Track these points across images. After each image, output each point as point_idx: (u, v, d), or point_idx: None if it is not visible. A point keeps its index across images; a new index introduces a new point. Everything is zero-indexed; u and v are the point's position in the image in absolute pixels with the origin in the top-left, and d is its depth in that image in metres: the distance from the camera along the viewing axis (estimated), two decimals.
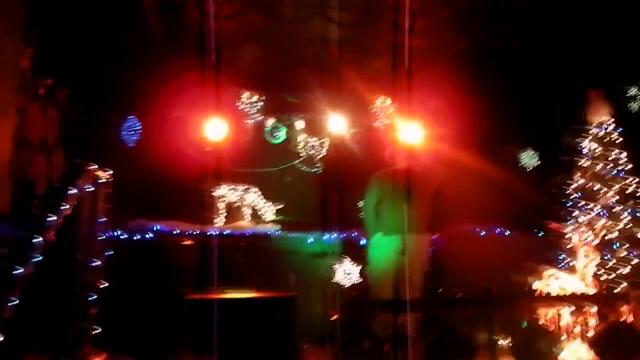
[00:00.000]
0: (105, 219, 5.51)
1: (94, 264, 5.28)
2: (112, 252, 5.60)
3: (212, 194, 8.30)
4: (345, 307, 3.79)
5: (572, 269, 5.07)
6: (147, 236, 7.38)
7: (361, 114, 9.26)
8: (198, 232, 7.51)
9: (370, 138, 9.16)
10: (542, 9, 6.57)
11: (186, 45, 8.62)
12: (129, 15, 8.44)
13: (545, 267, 4.86)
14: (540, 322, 4.25)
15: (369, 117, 9.30)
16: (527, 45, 7.28)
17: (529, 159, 9.65)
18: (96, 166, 5.20)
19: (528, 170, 9.29)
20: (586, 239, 5.23)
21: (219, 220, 8.27)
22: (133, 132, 8.87)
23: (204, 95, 8.87)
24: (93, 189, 5.13)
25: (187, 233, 7.59)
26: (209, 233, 7.67)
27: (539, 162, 8.83)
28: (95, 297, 5.26)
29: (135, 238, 7.28)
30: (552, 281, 4.63)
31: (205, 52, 8.77)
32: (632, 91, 8.04)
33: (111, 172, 5.51)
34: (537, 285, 4.73)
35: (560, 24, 6.64)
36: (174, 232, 7.57)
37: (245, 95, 9.20)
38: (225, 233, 7.74)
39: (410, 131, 8.96)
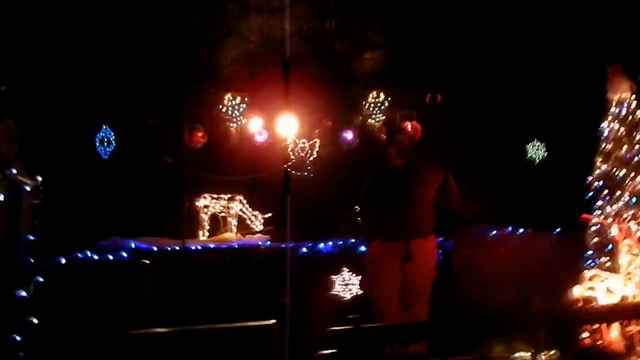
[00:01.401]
0: (32, 237, 4.45)
1: (16, 296, 4.23)
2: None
3: (195, 205, 7.60)
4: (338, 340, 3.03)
5: (611, 268, 4.35)
6: (122, 255, 6.64)
7: (353, 111, 8.59)
8: (179, 248, 6.78)
9: (363, 136, 8.48)
10: None
11: (160, 44, 7.98)
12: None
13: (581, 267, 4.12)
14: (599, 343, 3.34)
15: (363, 115, 8.62)
16: (534, 15, 6.61)
17: (535, 150, 8.99)
18: (15, 171, 4.33)
19: (536, 162, 8.62)
20: (629, 230, 4.52)
21: (203, 234, 7.56)
22: (107, 143, 8.19)
23: (182, 100, 8.27)
24: (3, 199, 4.14)
25: (168, 249, 6.88)
26: (192, 248, 6.97)
27: (547, 153, 8.16)
28: (20, 338, 4.18)
29: (109, 258, 6.55)
30: (597, 284, 3.89)
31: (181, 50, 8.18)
32: None
33: (39, 178, 4.69)
34: (577, 291, 3.98)
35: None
36: (154, 250, 6.85)
37: (228, 97, 8.53)
38: (210, 247, 7.02)
39: (409, 125, 8.37)
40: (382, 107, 8.67)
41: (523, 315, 2.79)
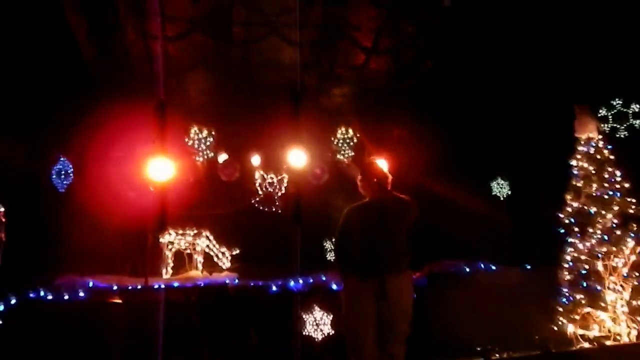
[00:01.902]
0: None
1: None
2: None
3: (159, 241, 7.27)
4: None
5: (591, 304, 4.32)
6: (79, 295, 6.20)
7: (323, 147, 8.54)
8: (140, 287, 6.41)
9: (334, 172, 8.41)
10: (516, 24, 6.18)
11: (125, 75, 7.77)
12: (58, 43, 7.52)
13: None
14: None
15: (331, 150, 8.58)
16: (499, 62, 6.82)
17: (499, 188, 9.15)
18: None
19: (502, 199, 8.75)
20: (615, 267, 4.52)
21: (167, 271, 7.21)
22: (64, 176, 7.80)
23: (146, 132, 8.00)
24: None
25: (128, 289, 6.48)
26: (155, 287, 6.59)
27: (517, 190, 8.30)
28: None
29: (64, 298, 6.09)
30: (591, 323, 3.83)
31: (147, 82, 7.96)
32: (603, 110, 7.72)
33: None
34: (573, 329, 3.91)
35: (538, 38, 6.24)
36: (113, 289, 6.44)
37: (194, 130, 8.33)
38: (174, 286, 6.67)
39: (381, 162, 8.35)
40: (352, 143, 8.68)
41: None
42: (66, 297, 6.06)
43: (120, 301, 5.50)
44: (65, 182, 7.79)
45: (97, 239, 7.21)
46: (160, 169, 7.85)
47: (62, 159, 7.89)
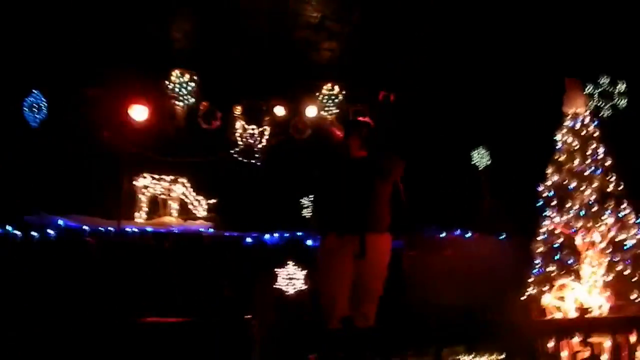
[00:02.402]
0: None
1: None
2: None
3: (133, 184, 7.10)
4: None
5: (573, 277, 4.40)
6: (49, 233, 6.05)
7: (307, 101, 8.37)
8: (113, 229, 6.29)
9: (316, 127, 8.28)
10: None
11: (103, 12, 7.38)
12: None
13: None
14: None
15: (316, 105, 8.42)
16: (488, 29, 6.71)
17: (480, 158, 9.16)
18: None
19: (481, 169, 8.78)
20: (592, 241, 4.60)
21: (141, 216, 7.08)
22: (36, 110, 7.48)
23: (126, 72, 7.70)
24: None
25: (99, 229, 6.35)
26: (127, 230, 6.48)
27: (498, 160, 8.33)
28: None
29: (33, 236, 5.93)
30: (567, 293, 3.90)
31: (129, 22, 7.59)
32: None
33: None
34: (548, 299, 3.98)
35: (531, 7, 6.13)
36: (83, 229, 6.30)
37: (175, 74, 8.04)
38: (147, 230, 6.56)
39: (365, 119, 8.25)
40: (337, 100, 8.53)
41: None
42: (36, 235, 5.90)
43: (91, 240, 5.37)
44: (38, 117, 7.49)
45: (70, 178, 7.00)
46: (139, 111, 7.63)
47: (35, 91, 7.54)
